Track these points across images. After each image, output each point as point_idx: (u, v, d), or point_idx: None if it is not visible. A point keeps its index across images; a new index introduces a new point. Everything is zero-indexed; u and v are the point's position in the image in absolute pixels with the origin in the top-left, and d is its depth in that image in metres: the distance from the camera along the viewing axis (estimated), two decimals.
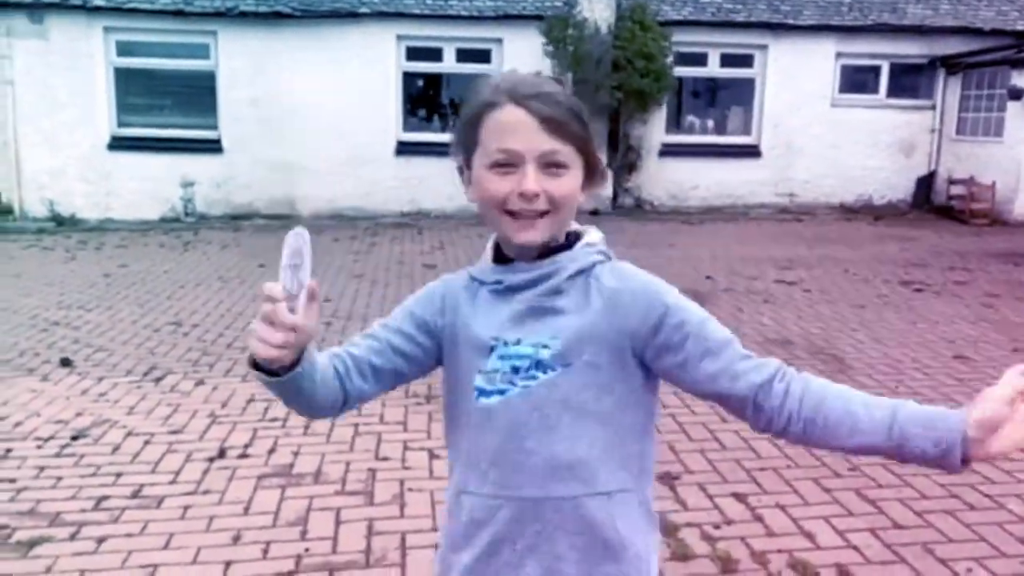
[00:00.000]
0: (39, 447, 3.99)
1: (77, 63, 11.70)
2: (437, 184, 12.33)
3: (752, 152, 13.14)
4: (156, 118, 12.26)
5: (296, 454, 3.93)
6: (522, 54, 12.17)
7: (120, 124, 12.07)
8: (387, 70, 12.34)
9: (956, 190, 12.37)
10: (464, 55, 12.63)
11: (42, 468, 3.75)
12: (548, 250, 1.29)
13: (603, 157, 12.16)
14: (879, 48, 12.94)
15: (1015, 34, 12.75)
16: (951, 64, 12.84)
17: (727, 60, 13.04)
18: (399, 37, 12.28)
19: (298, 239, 1.15)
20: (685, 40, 12.46)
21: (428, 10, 12.17)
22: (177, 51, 12.10)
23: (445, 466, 3.72)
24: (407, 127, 12.71)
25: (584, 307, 1.27)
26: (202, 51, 12.09)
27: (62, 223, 11.53)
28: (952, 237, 10.64)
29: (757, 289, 7.46)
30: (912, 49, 12.96)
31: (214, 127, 12.16)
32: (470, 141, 1.28)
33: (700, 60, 12.97)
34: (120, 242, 10.19)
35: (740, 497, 3.44)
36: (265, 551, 3.05)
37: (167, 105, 12.42)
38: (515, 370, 1.27)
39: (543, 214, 1.24)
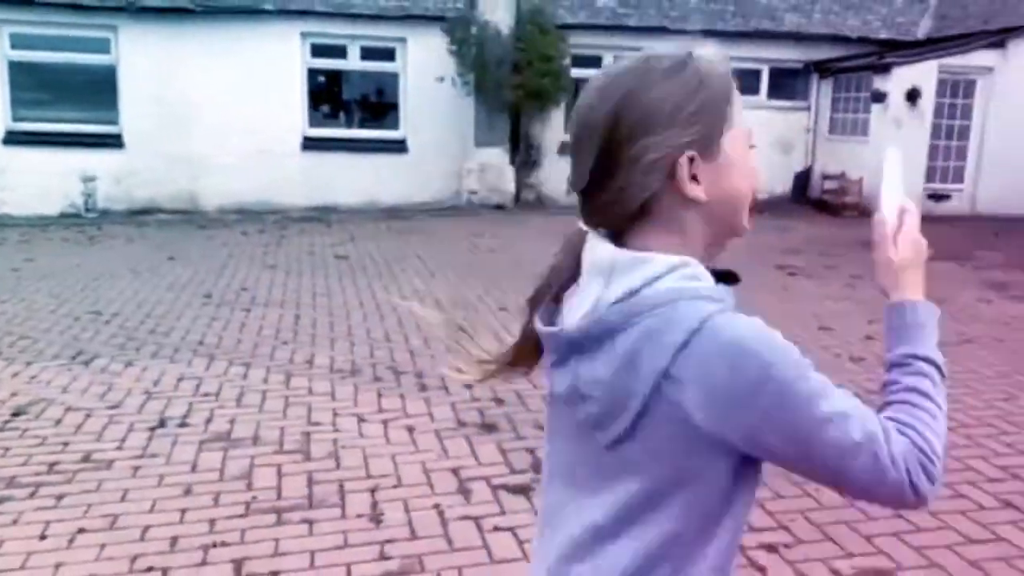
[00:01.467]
0: None
1: None
2: (344, 178, 12.62)
3: None
4: (54, 112, 12.04)
5: (232, 422, 4.23)
6: (426, 53, 12.55)
7: (15, 118, 11.83)
8: (292, 67, 12.50)
9: (829, 185, 13.38)
10: (368, 53, 12.91)
11: None
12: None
13: (505, 155, 12.71)
14: (759, 53, 13.83)
15: (878, 42, 13.88)
16: (823, 69, 13.86)
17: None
18: (303, 34, 12.46)
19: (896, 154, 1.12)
20: (581, 43, 13.05)
21: (332, 8, 12.38)
22: (76, 45, 11.93)
23: (379, 430, 4.10)
24: (313, 123, 12.88)
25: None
26: (102, 45, 11.96)
27: None
28: (824, 227, 11.57)
29: None
30: (789, 54, 13.93)
31: (115, 122, 12.06)
32: (720, 120, 1.04)
33: (596, 62, 13.55)
34: (21, 237, 10.05)
35: None
36: (216, 499, 3.39)
37: (66, 100, 12.20)
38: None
39: None
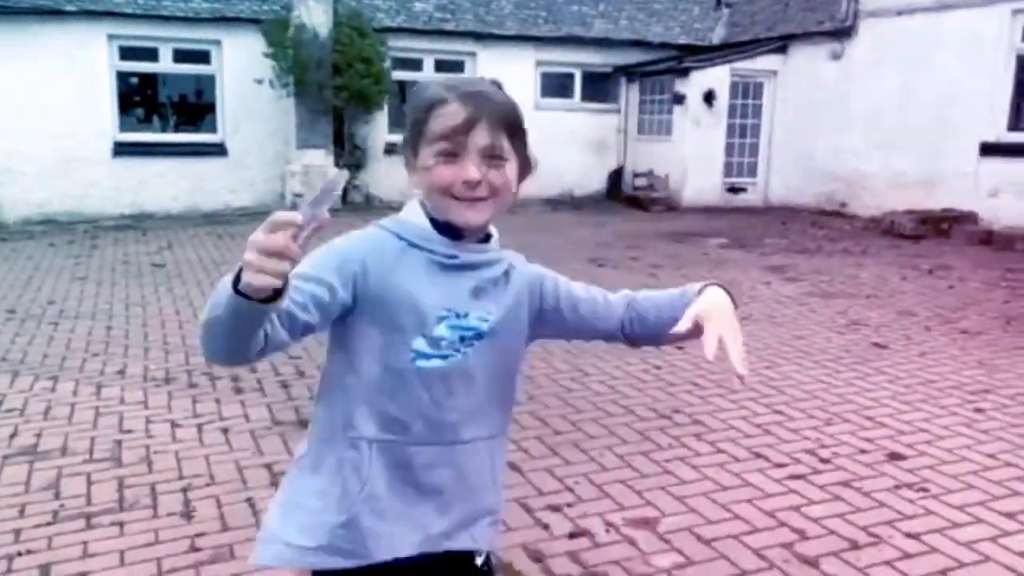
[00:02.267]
0: None
1: None
2: (160, 184, 12.27)
3: None
4: None
5: (39, 436, 4.15)
6: (242, 56, 12.39)
7: None
8: (98, 70, 12.01)
9: (639, 182, 14.26)
10: (182, 56, 12.59)
11: None
12: (486, 236, 1.47)
13: (330, 156, 12.73)
14: (572, 57, 14.54)
15: (678, 47, 14.90)
16: (630, 72, 14.73)
17: (441, 65, 14.01)
18: (110, 36, 12.00)
19: (337, 183, 1.17)
20: (401, 46, 13.28)
21: (140, 10, 11.99)
22: None
23: (193, 434, 4.16)
24: (124, 127, 12.43)
25: (510, 290, 1.47)
26: None
27: None
28: (635, 222, 12.34)
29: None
30: (598, 59, 14.70)
31: None
32: (417, 134, 1.38)
33: (416, 65, 13.85)
34: None
35: None
36: (22, 511, 3.37)
37: None
38: (461, 339, 1.40)
39: (485, 199, 1.37)
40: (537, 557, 2.97)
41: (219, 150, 12.78)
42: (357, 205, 13.20)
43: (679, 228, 11.47)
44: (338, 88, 12.35)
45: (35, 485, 3.61)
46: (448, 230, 1.41)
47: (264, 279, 1.03)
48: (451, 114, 1.34)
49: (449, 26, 13.75)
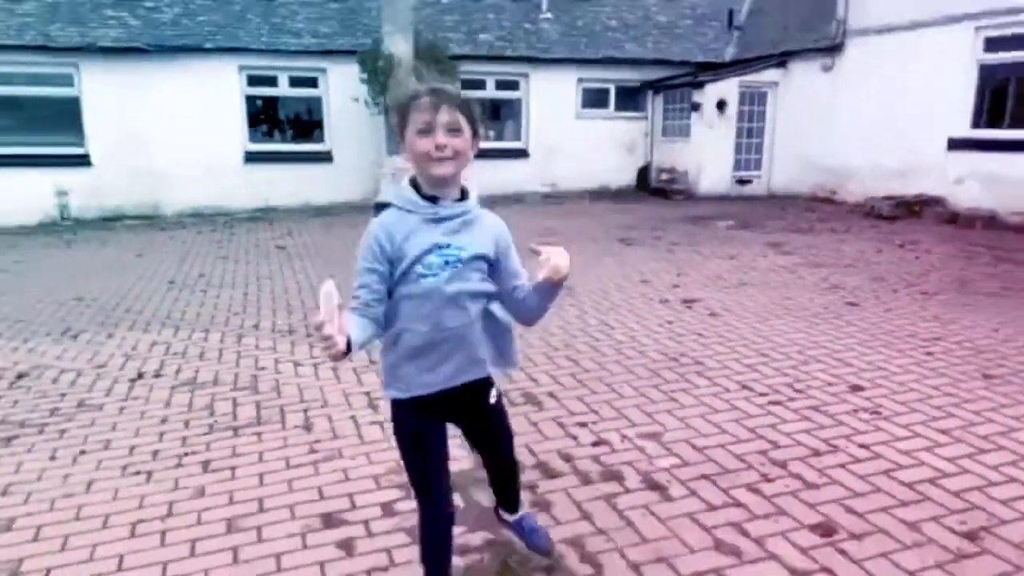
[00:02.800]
0: None
1: None
2: (281, 184, 12.70)
3: (523, 154, 14.37)
4: (27, 137, 11.69)
5: (197, 372, 4.50)
6: (343, 81, 12.69)
7: None
8: (232, 94, 12.44)
9: (663, 176, 14.18)
10: (296, 81, 12.94)
11: (1, 396, 4.15)
12: (460, 196, 1.85)
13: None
14: (607, 75, 14.48)
15: (696, 64, 14.71)
16: (655, 86, 14.61)
17: (500, 85, 14.14)
18: (240, 67, 12.41)
19: (331, 293, 1.58)
20: (468, 69, 13.41)
21: (264, 46, 12.37)
22: (42, 80, 11.59)
23: (311, 371, 4.44)
24: (252, 140, 12.88)
25: (479, 231, 1.88)
26: (66, 80, 11.67)
27: None
28: (658, 208, 12.33)
29: (525, 249, 8.55)
30: (629, 75, 14.62)
31: (82, 144, 11.81)
32: (404, 120, 1.78)
33: (480, 84, 13.99)
34: (7, 245, 9.84)
35: None
36: (187, 424, 3.72)
37: (37, 127, 11.82)
38: (446, 262, 1.82)
39: (450, 159, 1.76)
40: (567, 458, 3.18)
41: (326, 157, 13.15)
42: None
43: (695, 213, 11.45)
44: None
45: (196, 406, 3.94)
46: (429, 198, 1.82)
47: (335, 353, 1.60)
48: (424, 103, 1.76)
49: (507, 52, 13.84)
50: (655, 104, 14.72)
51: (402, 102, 1.81)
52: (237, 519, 2.79)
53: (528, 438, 3.39)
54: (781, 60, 13.45)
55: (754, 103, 13.64)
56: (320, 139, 13.27)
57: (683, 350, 4.67)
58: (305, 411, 3.84)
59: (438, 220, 1.82)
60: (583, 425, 3.52)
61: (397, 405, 1.97)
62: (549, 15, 14.71)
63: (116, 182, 11.84)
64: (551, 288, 1.89)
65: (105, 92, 11.71)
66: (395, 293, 1.84)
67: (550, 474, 3.04)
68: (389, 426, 3.61)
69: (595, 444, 3.32)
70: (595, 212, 12.04)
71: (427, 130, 1.74)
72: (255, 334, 5.31)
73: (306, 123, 13.72)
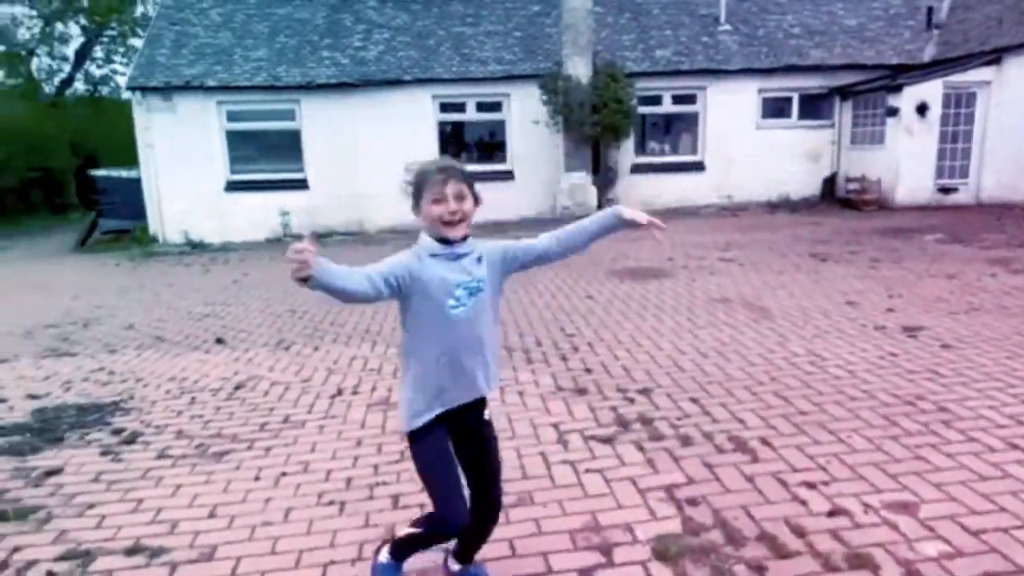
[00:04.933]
0: (214, 394, 4.38)
1: (198, 129, 12.15)
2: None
3: (699, 167, 13.41)
4: (258, 166, 12.66)
5: (390, 390, 4.28)
6: (524, 104, 12.52)
7: (232, 171, 12.51)
8: (426, 120, 12.70)
9: (852, 186, 12.59)
10: (482, 106, 12.97)
11: (219, 408, 4.16)
12: (464, 238, 1.99)
13: (588, 176, 12.52)
14: (790, 83, 13.15)
15: (890, 67, 12.95)
16: (844, 92, 13.05)
17: (677, 99, 13.30)
18: (434, 96, 12.64)
19: (309, 237, 1.77)
20: (645, 86, 12.74)
21: (455, 75, 12.51)
22: (270, 115, 12.50)
23: (495, 394, 3.97)
24: None
25: (486, 263, 2.03)
26: (289, 114, 12.49)
27: (194, 247, 12.00)
28: (849, 221, 10.89)
29: (705, 266, 7.78)
30: (814, 82, 13.17)
31: (302, 171, 12.58)
32: (419, 193, 1.96)
33: (657, 100, 13.25)
34: (239, 258, 10.61)
35: (694, 400, 3.82)
36: (379, 449, 3.45)
37: (265, 157, 12.78)
38: (470, 293, 1.97)
39: (460, 221, 1.94)
40: (799, 531, 2.49)
41: (508, 175, 13.04)
42: None
43: (893, 225, 9.93)
44: (595, 123, 12.11)
45: (388, 429, 3.68)
46: (444, 242, 1.97)
47: (304, 270, 1.70)
48: (436, 179, 1.93)
49: (684, 66, 12.98)
50: (843, 111, 13.15)
51: (418, 179, 1.97)
52: (427, 573, 2.40)
53: (744, 498, 2.73)
54: (994, 57, 11.41)
55: (960, 105, 11.69)
56: (503, 159, 13.19)
57: (919, 392, 3.74)
58: None
59: (455, 258, 1.97)
60: (811, 486, 2.79)
61: (423, 431, 2.04)
62: (728, 27, 13.64)
63: (328, 202, 12.47)
64: (620, 226, 2.15)
65: (319, 124, 12.38)
66: (422, 325, 1.97)
67: (781, 552, 2.36)
68: (582, 467, 3.16)
69: (830, 514, 2.59)
70: (777, 224, 10.87)
71: (439, 200, 1.92)
72: None
73: (488, 145, 13.72)
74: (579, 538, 2.54)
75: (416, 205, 1.99)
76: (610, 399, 3.89)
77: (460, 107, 12.91)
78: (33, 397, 4.49)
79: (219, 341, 5.67)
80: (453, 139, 13.52)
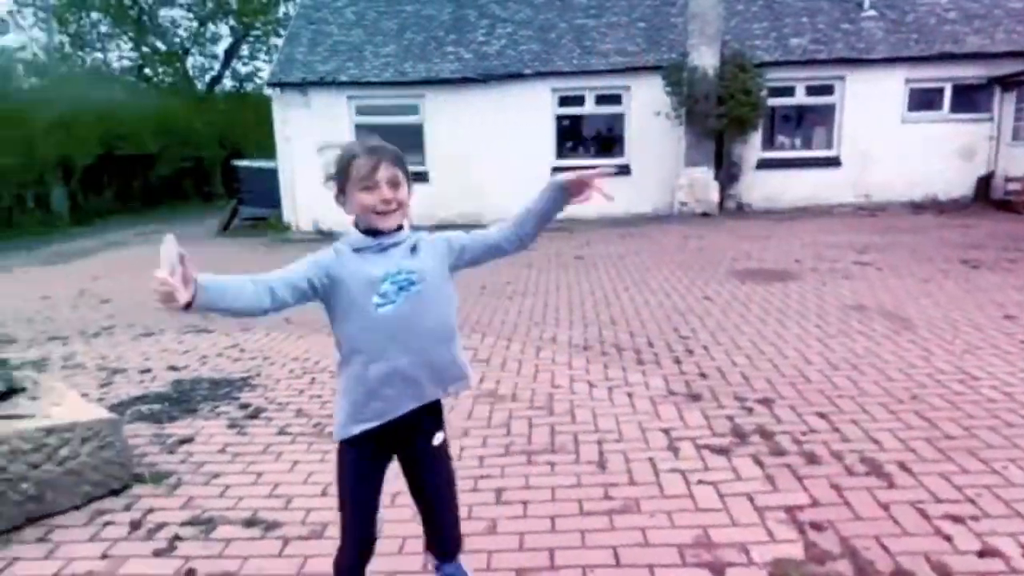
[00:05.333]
0: (332, 376, 4.49)
1: (330, 122, 12.76)
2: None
3: (833, 162, 12.54)
4: None
5: (497, 383, 4.27)
6: (645, 96, 12.20)
7: None
8: (545, 114, 12.68)
9: (1012, 186, 11.32)
10: (601, 99, 12.77)
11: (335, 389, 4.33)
12: (398, 228, 1.75)
13: (710, 171, 12.01)
14: (942, 73, 12.00)
15: None
16: (1007, 82, 11.72)
17: (811, 90, 12.49)
18: (553, 89, 12.59)
19: (170, 239, 1.45)
20: (776, 76, 12.06)
21: (575, 68, 12.40)
22: (396, 110, 12.92)
23: (605, 394, 3.85)
24: (559, 155, 12.99)
25: (423, 251, 1.77)
26: (413, 109, 12.86)
27: (323, 235, 12.64)
28: (1007, 225, 9.78)
29: (837, 268, 7.25)
30: (971, 72, 11.94)
31: (423, 163, 12.92)
32: (344, 179, 1.71)
33: (789, 92, 12.51)
34: None
35: (821, 415, 3.53)
36: (484, 442, 3.44)
37: None
38: (400, 288, 1.71)
39: (395, 210, 1.70)
40: (943, 571, 2.21)
41: (624, 170, 12.77)
42: (731, 211, 12.34)
43: None
44: (720, 116, 11.60)
45: (494, 422, 3.67)
46: (372, 233, 1.73)
47: (167, 304, 1.45)
48: (363, 163, 1.69)
49: (822, 55, 12.15)
50: (1004, 103, 11.84)
51: (340, 161, 1.73)
52: (525, 573, 2.35)
53: (878, 527, 2.47)
54: None
55: None
56: (620, 153, 12.93)
57: None
58: (599, 443, 3.33)
59: (383, 250, 1.73)
60: (958, 520, 2.48)
61: (349, 443, 1.81)
62: (872, 12, 12.63)
63: (447, 194, 12.73)
64: (563, 196, 1.86)
65: (441, 118, 12.66)
66: (347, 328, 1.74)
67: None
68: (693, 477, 2.99)
69: (981, 554, 2.28)
70: (921, 226, 9.95)
71: (368, 187, 1.69)
72: (552, 347, 5.00)
73: (604, 139, 13.50)
74: (688, 553, 2.39)
75: (340, 193, 1.74)
76: (726, 407, 3.68)
77: (579, 100, 12.78)
78: (173, 369, 4.86)
79: None
80: (570, 132, 13.42)
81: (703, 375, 4.18)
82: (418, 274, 1.73)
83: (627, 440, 3.35)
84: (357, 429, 1.76)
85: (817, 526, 2.50)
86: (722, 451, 3.15)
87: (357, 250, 1.72)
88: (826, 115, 12.61)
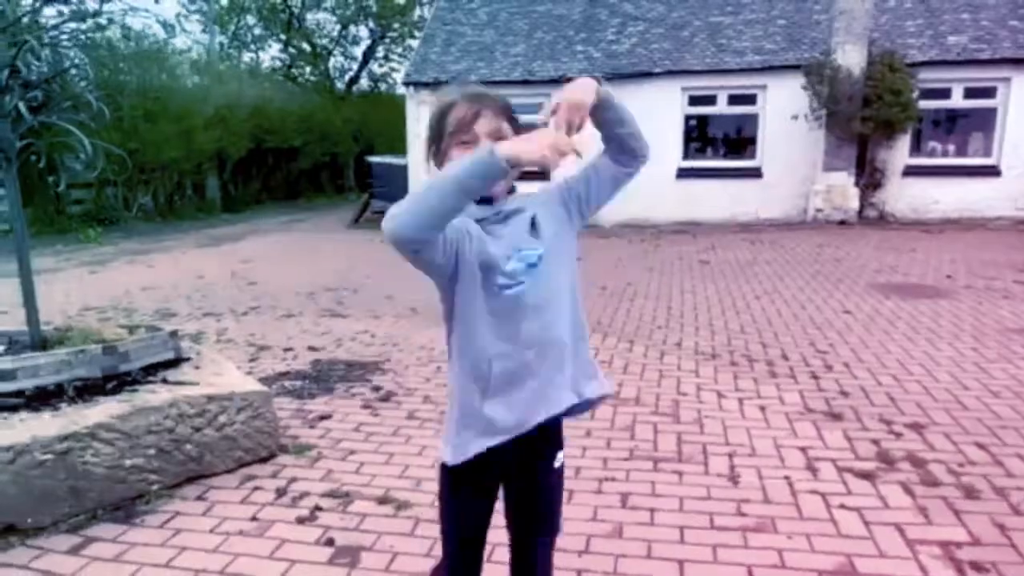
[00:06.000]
0: None
1: None
2: (708, 199, 12.21)
3: (992, 171, 11.39)
4: None
5: (620, 385, 4.22)
6: (782, 96, 11.63)
7: None
8: (674, 113, 12.37)
9: None
10: (734, 99, 12.29)
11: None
12: (510, 191, 1.50)
13: (851, 177, 11.27)
14: None
15: None
16: None
17: (970, 93, 11.40)
18: (683, 88, 12.26)
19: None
20: (931, 77, 11.11)
21: (707, 67, 12.01)
22: (522, 109, 12.88)
23: (735, 406, 3.76)
24: (685, 156, 12.65)
25: (543, 211, 1.48)
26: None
27: None
28: None
29: (996, 288, 6.58)
30: None
31: None
32: (438, 132, 1.45)
33: (944, 94, 11.48)
34: None
35: (981, 445, 3.22)
36: (608, 444, 3.40)
37: None
38: (529, 265, 1.42)
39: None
40: None
41: (756, 173, 12.24)
42: (871, 220, 11.51)
43: None
44: (865, 118, 10.84)
45: (617, 424, 3.62)
46: (483, 200, 1.41)
47: (547, 161, 1.24)
48: (461, 112, 1.41)
49: (984, 55, 11.06)
50: None
51: (435, 110, 1.46)
52: None
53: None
54: None
55: None
56: (752, 155, 12.40)
57: None
58: (730, 456, 3.21)
59: (503, 220, 1.44)
60: None
61: (459, 472, 1.50)
62: None
63: None
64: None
65: None
66: (465, 314, 1.42)
67: None
68: (835, 501, 2.81)
69: None
70: None
71: (466, 141, 1.40)
72: (677, 352, 4.87)
73: (735, 140, 12.99)
74: None
75: (435, 149, 1.46)
76: (871, 430, 3.43)
77: (711, 100, 12.37)
78: (312, 349, 5.18)
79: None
80: (698, 132, 13.03)
81: (844, 393, 3.93)
82: (544, 245, 1.44)
83: (760, 456, 3.21)
84: (474, 450, 1.44)
85: (978, 566, 2.29)
86: (867, 476, 2.95)
87: (477, 220, 1.42)
88: (985, 120, 11.47)
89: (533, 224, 1.45)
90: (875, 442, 3.27)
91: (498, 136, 1.40)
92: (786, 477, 2.98)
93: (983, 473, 2.94)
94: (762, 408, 3.78)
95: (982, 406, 3.67)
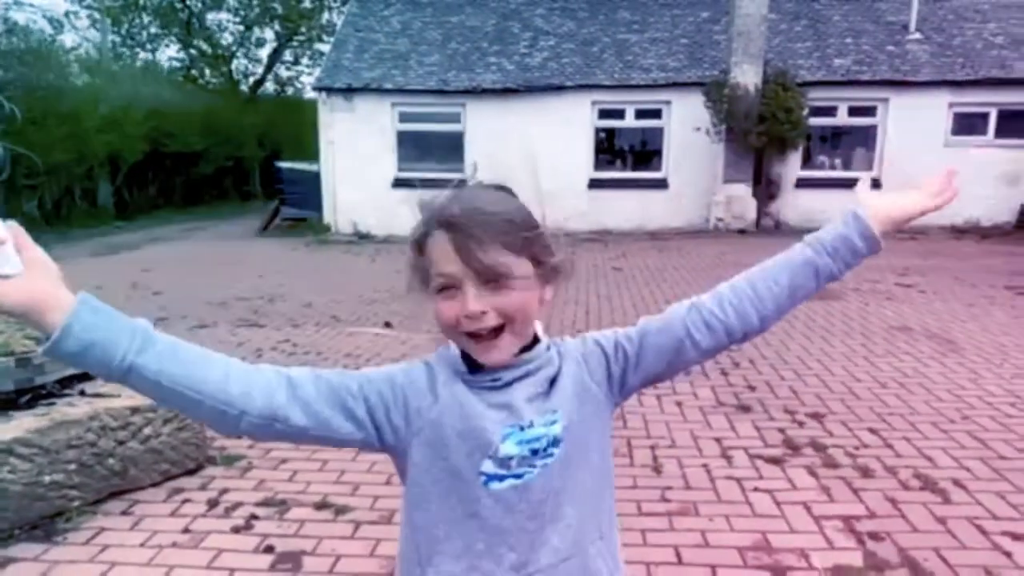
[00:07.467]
0: None
1: (374, 128, 13.01)
2: (618, 209, 12.68)
3: (873, 184, 12.38)
4: (422, 165, 13.29)
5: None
6: (685, 111, 12.26)
7: (399, 169, 13.27)
8: (584, 126, 12.79)
9: None
10: (641, 113, 12.86)
11: None
12: (524, 349, 0.97)
13: (748, 189, 12.03)
14: (987, 98, 11.89)
15: None
16: None
17: (853, 111, 12.45)
18: (593, 102, 12.70)
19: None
20: (819, 96, 12.04)
21: (616, 82, 12.50)
22: (438, 118, 13.11)
23: (654, 403, 3.93)
24: (596, 167, 13.09)
25: (566, 376, 0.98)
26: (455, 117, 13.06)
27: (362, 237, 12.87)
28: None
29: (880, 290, 7.24)
30: (1018, 97, 11.81)
31: (462, 170, 13.08)
32: (423, 270, 0.96)
33: (831, 112, 12.47)
34: (400, 251, 11.20)
35: (873, 431, 3.57)
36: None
37: (429, 156, 13.40)
38: (534, 452, 0.96)
39: (498, 329, 0.92)
40: None
41: (662, 184, 12.84)
42: (768, 230, 12.32)
43: None
44: (760, 134, 11.62)
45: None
46: (473, 367, 0.97)
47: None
48: (439, 246, 0.92)
49: (865, 76, 12.12)
50: None
51: (411, 242, 0.97)
52: None
53: (935, 540, 2.53)
54: None
55: None
56: (658, 167, 13.00)
57: None
58: (652, 448, 3.42)
59: (506, 385, 0.96)
60: (1017, 538, 2.53)
61: None
62: (918, 35, 12.60)
63: None
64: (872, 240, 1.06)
65: (482, 127, 12.84)
66: (432, 508, 0.97)
67: None
68: (749, 485, 3.05)
69: None
70: (964, 252, 9.86)
71: (449, 287, 0.92)
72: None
73: (641, 153, 13.57)
74: (749, 556, 2.47)
75: (416, 283, 0.98)
76: (777, 420, 3.74)
77: (619, 114, 12.88)
78: None
79: (387, 324, 6.05)
80: (607, 144, 13.51)
81: (751, 388, 4.24)
82: (562, 424, 0.97)
83: (680, 447, 3.43)
84: None
85: (875, 536, 2.57)
86: (775, 461, 3.22)
87: (462, 379, 0.97)
88: (867, 136, 12.56)
89: (553, 385, 0.98)
90: (781, 431, 3.57)
91: (493, 278, 0.92)
92: (704, 465, 3.21)
93: (875, 455, 3.27)
94: (679, 404, 4.02)
95: (872, 396, 4.06)
